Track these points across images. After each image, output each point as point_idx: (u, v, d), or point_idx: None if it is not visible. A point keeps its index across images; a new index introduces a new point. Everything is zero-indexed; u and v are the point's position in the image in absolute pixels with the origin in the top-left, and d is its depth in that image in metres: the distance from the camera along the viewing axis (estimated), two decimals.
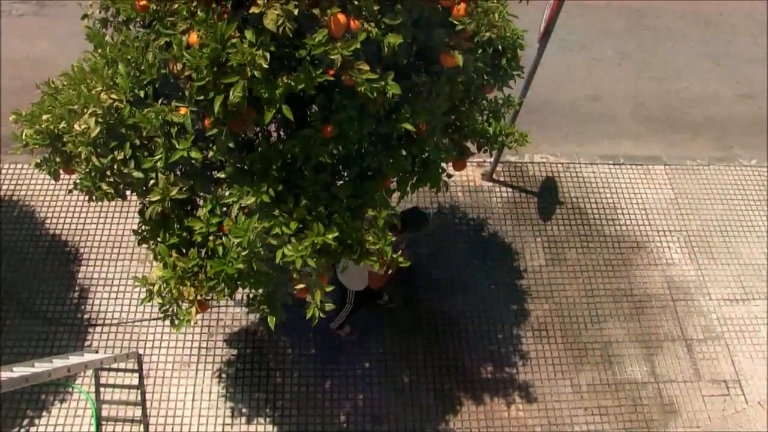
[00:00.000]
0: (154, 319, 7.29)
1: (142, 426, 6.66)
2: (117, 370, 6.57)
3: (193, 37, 3.81)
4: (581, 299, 7.67)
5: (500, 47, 5.10)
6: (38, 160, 4.77)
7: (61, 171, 4.77)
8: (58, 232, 7.97)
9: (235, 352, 7.15)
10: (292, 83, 3.68)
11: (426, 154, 4.75)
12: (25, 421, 6.75)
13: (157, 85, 4.34)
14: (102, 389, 6.57)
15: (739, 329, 7.56)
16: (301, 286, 4.26)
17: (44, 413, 6.80)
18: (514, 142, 5.71)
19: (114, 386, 6.65)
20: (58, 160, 4.68)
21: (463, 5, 4.11)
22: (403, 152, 4.69)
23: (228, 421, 6.75)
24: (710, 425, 6.93)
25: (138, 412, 6.73)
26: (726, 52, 10.17)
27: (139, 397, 6.71)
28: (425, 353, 7.22)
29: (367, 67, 3.81)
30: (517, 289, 7.72)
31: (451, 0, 4.13)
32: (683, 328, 7.52)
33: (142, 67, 4.28)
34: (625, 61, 9.95)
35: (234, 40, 3.62)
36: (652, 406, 7.01)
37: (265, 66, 3.56)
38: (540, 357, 7.28)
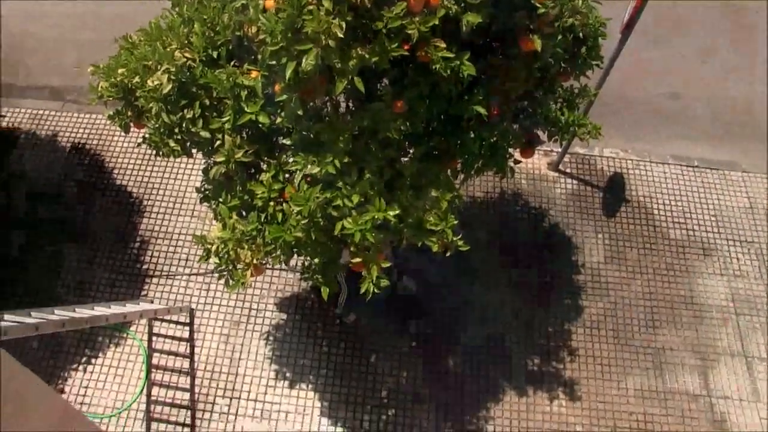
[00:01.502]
0: (205, 274, 7.42)
1: (189, 378, 6.81)
2: (170, 321, 6.72)
3: (270, 2, 3.80)
4: (638, 301, 7.46)
5: (581, 35, 4.92)
6: (111, 113, 4.88)
7: (132, 124, 4.87)
8: (124, 183, 8.18)
9: (284, 316, 7.23)
10: (366, 55, 3.62)
11: (495, 139, 4.65)
12: (83, 359, 7.02)
13: (230, 47, 4.36)
14: (154, 338, 6.73)
15: None
16: (358, 260, 4.24)
17: (100, 354, 7.06)
18: (587, 133, 5.51)
19: (165, 336, 6.81)
20: (129, 113, 4.78)
21: None
22: (472, 134, 4.59)
23: (271, 383, 6.86)
24: None
25: (186, 365, 6.89)
26: None
27: (188, 350, 6.86)
28: (472, 338, 7.16)
29: (443, 45, 3.74)
30: (572, 283, 7.56)
31: None
32: (744, 344, 7.23)
33: (218, 28, 4.30)
34: (711, 60, 9.51)
35: (311, 7, 3.58)
36: (702, 420, 6.80)
37: (341, 36, 3.51)
38: (589, 355, 7.14)
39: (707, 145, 8.76)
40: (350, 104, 4.62)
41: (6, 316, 4.41)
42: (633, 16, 6.32)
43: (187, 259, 7.61)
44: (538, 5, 4.01)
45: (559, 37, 4.67)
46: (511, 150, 5.01)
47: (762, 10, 9.95)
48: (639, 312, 7.39)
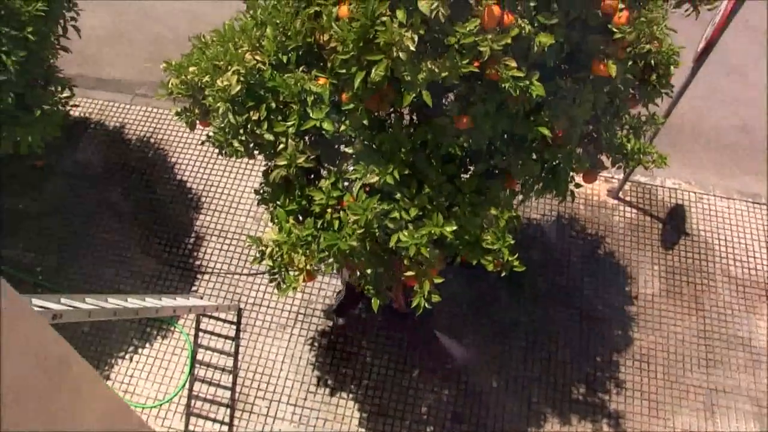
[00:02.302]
0: (256, 274, 7.49)
1: (231, 376, 6.89)
2: (217, 318, 6.83)
3: (344, 10, 3.82)
4: (692, 338, 7.23)
5: (653, 62, 4.82)
6: (179, 109, 4.98)
7: (198, 122, 4.95)
8: (185, 178, 8.34)
9: (330, 324, 7.24)
10: (437, 69, 3.61)
11: (557, 162, 4.57)
12: (130, 348, 7.15)
13: (300, 53, 4.39)
14: (201, 334, 6.85)
15: None
16: (411, 273, 4.21)
17: (147, 345, 7.19)
18: (651, 162, 5.40)
19: (212, 333, 6.91)
20: (196, 111, 4.87)
21: (626, 13, 3.89)
22: (534, 156, 4.53)
23: (312, 389, 6.87)
24: None
25: (230, 363, 6.97)
26: None
27: (233, 349, 6.95)
28: (517, 361, 7.05)
29: (513, 64, 3.69)
30: (624, 314, 7.38)
31: (613, 6, 3.92)
32: None
33: (289, 33, 4.34)
34: None
35: (384, 18, 3.58)
36: None
37: (412, 48, 3.50)
38: (636, 389, 6.95)
39: None
40: (414, 117, 4.61)
41: (62, 299, 4.54)
42: (709, 44, 6.17)
43: (239, 259, 7.70)
44: (615, 30, 3.93)
45: (631, 63, 4.59)
46: (573, 174, 4.93)
47: None
48: (692, 349, 7.16)
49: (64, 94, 6.83)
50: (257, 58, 4.38)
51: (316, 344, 7.13)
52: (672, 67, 4.93)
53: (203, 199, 8.17)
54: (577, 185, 5.10)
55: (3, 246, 7.72)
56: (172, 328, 7.29)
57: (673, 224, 8.08)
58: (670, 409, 6.82)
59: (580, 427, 6.71)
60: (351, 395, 6.85)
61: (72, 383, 2.59)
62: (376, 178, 3.97)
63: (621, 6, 3.97)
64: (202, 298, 7.38)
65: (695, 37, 6.21)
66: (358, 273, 4.82)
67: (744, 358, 7.11)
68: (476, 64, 3.69)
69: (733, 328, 7.29)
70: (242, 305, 7.33)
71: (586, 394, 6.89)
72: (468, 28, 3.57)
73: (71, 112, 8.15)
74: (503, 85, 3.66)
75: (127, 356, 7.11)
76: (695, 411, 6.80)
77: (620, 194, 8.23)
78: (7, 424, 2.19)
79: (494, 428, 6.68)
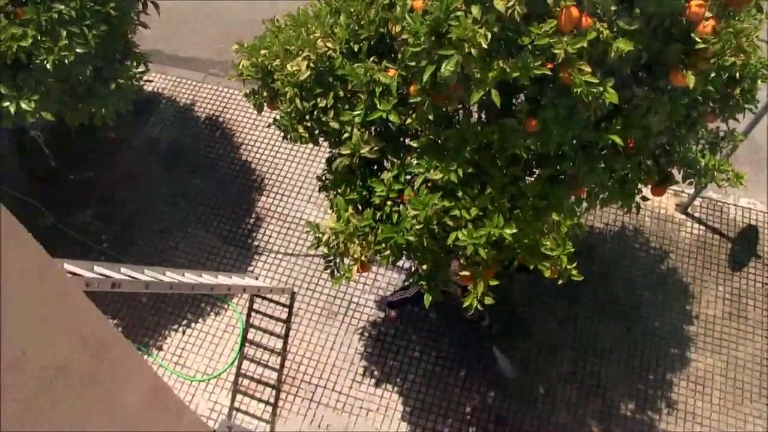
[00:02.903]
0: (311, 256, 7.53)
1: (279, 358, 6.96)
2: (270, 300, 6.89)
3: (418, 2, 3.78)
4: (755, 364, 6.94)
5: (738, 75, 4.61)
6: (248, 91, 5.03)
7: (266, 105, 4.99)
8: (249, 159, 8.46)
9: (382, 315, 7.25)
10: (508, 69, 3.54)
11: (626, 172, 4.44)
12: (184, 322, 7.32)
13: (372, 43, 4.38)
14: (253, 314, 6.93)
15: None
16: (466, 273, 4.16)
17: (200, 320, 7.34)
18: (726, 180, 5.17)
19: (264, 314, 6.98)
20: (265, 94, 4.92)
21: (712, 22, 3.72)
22: (603, 164, 4.41)
23: (358, 378, 6.89)
24: None
25: (279, 345, 7.05)
26: None
27: (283, 331, 7.01)
28: (567, 372, 6.91)
29: (588, 69, 3.60)
30: (683, 333, 7.14)
31: (699, 14, 3.75)
32: None
33: (362, 22, 4.33)
34: None
35: (459, 13, 3.53)
36: None
37: (485, 46, 3.44)
38: (689, 412, 6.72)
39: None
40: (482, 115, 4.55)
41: (123, 269, 4.65)
42: None
43: (296, 243, 7.77)
44: (698, 39, 3.77)
45: (713, 74, 4.41)
46: (642, 185, 4.78)
47: None
48: (754, 376, 6.87)
49: (140, 69, 6.99)
50: (329, 45, 4.39)
51: (365, 334, 7.14)
52: (759, 82, 4.70)
53: (266, 182, 8.28)
54: (644, 198, 4.95)
55: (72, 213, 7.99)
56: (226, 306, 7.42)
57: (743, 245, 7.76)
58: None
59: None
60: (396, 388, 6.84)
61: (115, 364, 2.65)
62: (440, 175, 3.93)
63: (708, 14, 3.80)
64: (257, 278, 7.48)
65: None
66: (413, 268, 4.80)
67: None
68: (549, 66, 3.60)
69: None
70: (296, 289, 7.39)
71: (635, 411, 6.71)
72: (543, 29, 3.49)
73: (144, 87, 8.34)
74: (575, 90, 3.56)
75: (180, 329, 7.27)
76: None
77: (689, 209, 7.95)
78: (53, 405, 2.25)
79: None
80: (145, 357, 7.05)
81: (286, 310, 6.94)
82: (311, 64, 4.37)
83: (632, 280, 7.46)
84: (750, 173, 6.37)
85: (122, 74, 6.71)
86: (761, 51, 4.46)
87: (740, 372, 6.90)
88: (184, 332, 7.26)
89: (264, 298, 6.99)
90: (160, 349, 7.15)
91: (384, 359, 6.99)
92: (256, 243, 7.81)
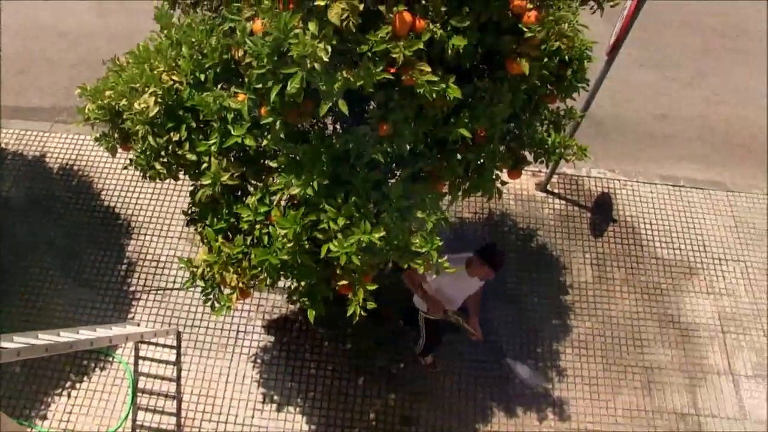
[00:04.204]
0: (185, 289, 7.36)
1: (175, 402, 6.75)
2: (156, 344, 6.68)
3: (257, 25, 3.82)
4: (625, 321, 7.46)
5: (567, 57, 4.97)
6: (98, 135, 4.87)
7: (119, 147, 4.85)
8: (111, 204, 8.14)
9: (272, 339, 7.19)
10: (351, 78, 3.64)
11: (481, 161, 4.67)
12: (68, 384, 6.92)
13: (218, 70, 4.36)
14: (140, 362, 6.70)
15: None
16: (344, 282, 4.23)
17: (85, 378, 6.96)
18: (573, 155, 5.56)
19: (152, 360, 6.76)
20: (116, 136, 4.78)
21: (534, 12, 4.00)
22: (458, 157, 4.61)
23: (258, 406, 6.79)
24: None
25: (173, 388, 6.84)
26: None
27: (175, 373, 6.82)
28: (462, 360, 7.13)
29: (428, 68, 3.75)
30: (560, 303, 7.56)
31: (522, 6, 4.03)
32: (731, 363, 7.24)
33: (205, 51, 4.31)
34: (698, 82, 9.63)
35: (297, 31, 3.59)
36: None
37: (326, 59, 3.52)
38: (577, 375, 7.12)
39: (693, 166, 8.84)
40: (337, 127, 4.64)
41: (15, 338, 4.39)
42: (619, 39, 6.39)
43: (174, 282, 7.56)
44: (524, 29, 4.04)
45: (545, 59, 4.73)
46: (498, 172, 5.03)
47: (742, 34, 10.14)
48: (627, 331, 7.39)
49: None
50: (174, 78, 4.34)
51: (258, 361, 7.06)
52: (586, 62, 5.10)
53: (133, 224, 8.00)
54: (503, 182, 5.22)
55: None
56: (111, 359, 7.10)
57: (601, 212, 8.33)
58: (610, 390, 7.02)
59: (527, 419, 6.83)
60: (299, 408, 6.80)
61: None
62: (298, 189, 3.98)
63: (529, 6, 4.08)
64: (139, 324, 7.21)
65: (608, 32, 6.43)
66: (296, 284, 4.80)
67: (674, 334, 7.38)
68: (392, 70, 3.73)
69: (662, 308, 7.56)
70: (181, 328, 7.19)
71: (531, 385, 7.02)
72: (380, 36, 3.61)
73: None
74: (419, 90, 3.71)
75: (65, 392, 6.87)
76: (634, 390, 7.02)
77: (548, 187, 8.43)
78: None
79: (443, 428, 6.74)
80: (29, 430, 6.62)
81: (174, 351, 6.76)
82: (159, 99, 4.30)
83: (508, 262, 7.79)
84: (595, 146, 6.88)
85: None
86: (582, 35, 4.84)
87: (615, 329, 7.39)
88: (69, 395, 6.87)
89: (149, 343, 6.77)
90: (44, 418, 6.72)
91: (281, 382, 6.93)
92: (132, 288, 7.52)
